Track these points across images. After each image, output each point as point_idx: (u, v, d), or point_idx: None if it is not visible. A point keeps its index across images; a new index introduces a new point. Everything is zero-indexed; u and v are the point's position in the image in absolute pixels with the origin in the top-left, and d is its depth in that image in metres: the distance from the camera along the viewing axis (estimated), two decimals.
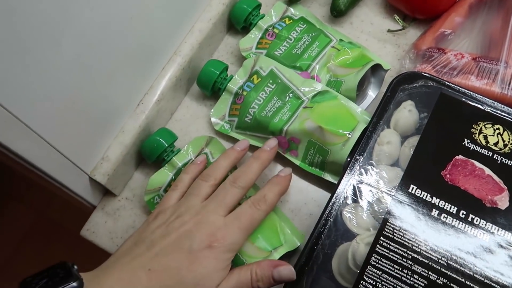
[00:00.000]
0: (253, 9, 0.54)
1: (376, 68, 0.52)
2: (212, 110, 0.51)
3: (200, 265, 0.36)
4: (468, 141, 0.43)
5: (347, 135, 0.44)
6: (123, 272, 0.36)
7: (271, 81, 0.49)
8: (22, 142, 0.34)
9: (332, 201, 0.42)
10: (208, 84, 0.50)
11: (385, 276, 0.38)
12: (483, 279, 0.37)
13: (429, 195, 0.41)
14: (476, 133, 0.43)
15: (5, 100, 0.31)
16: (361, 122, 0.45)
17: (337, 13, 0.55)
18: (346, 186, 0.42)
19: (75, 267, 0.35)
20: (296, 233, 0.45)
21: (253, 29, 0.54)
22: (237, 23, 0.55)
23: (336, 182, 0.45)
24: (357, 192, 0.42)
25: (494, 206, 0.40)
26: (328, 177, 0.47)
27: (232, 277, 0.38)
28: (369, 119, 0.46)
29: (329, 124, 0.45)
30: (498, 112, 0.44)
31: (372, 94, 0.53)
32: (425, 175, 0.42)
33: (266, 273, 0.39)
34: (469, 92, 0.45)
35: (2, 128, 0.32)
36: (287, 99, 0.48)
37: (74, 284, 0.33)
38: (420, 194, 0.41)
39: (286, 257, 0.44)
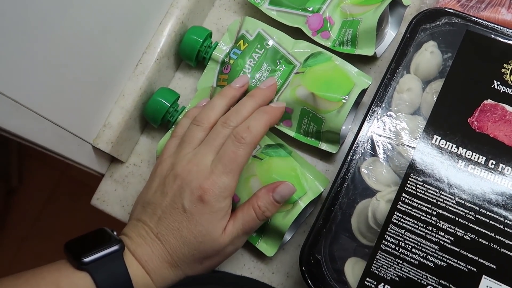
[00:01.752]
0: None
1: (395, 5, 0.48)
2: (198, 82, 0.48)
3: (197, 223, 0.36)
4: (498, 83, 0.40)
5: (342, 100, 0.41)
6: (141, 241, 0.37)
7: (259, 46, 0.46)
8: (13, 119, 0.33)
9: (349, 158, 0.40)
10: (191, 54, 0.47)
11: (408, 234, 0.37)
12: None
13: (454, 145, 0.39)
14: (507, 73, 0.40)
15: None
16: (358, 84, 0.42)
17: None
18: (363, 140, 0.40)
19: (115, 232, 0.37)
20: (319, 177, 0.43)
21: None
22: None
23: (333, 152, 0.44)
24: (376, 146, 0.40)
25: None
26: (325, 146, 0.44)
27: (237, 221, 0.38)
28: (368, 80, 0.44)
29: (322, 89, 0.42)
30: None
31: (392, 32, 0.49)
32: (450, 124, 0.39)
33: (268, 200, 0.38)
34: (499, 27, 0.42)
35: None
36: (277, 65, 0.45)
37: (117, 247, 0.35)
38: (445, 145, 0.39)
39: (311, 205, 0.43)
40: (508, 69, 0.40)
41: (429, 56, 0.43)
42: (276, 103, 0.42)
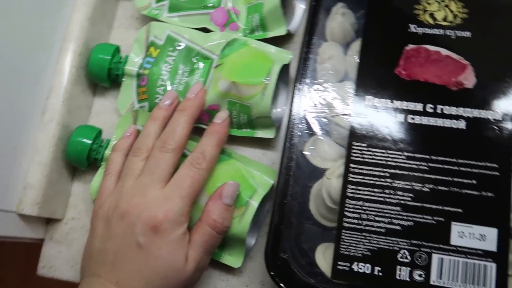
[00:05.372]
0: None
1: None
2: (117, 102, 0.48)
3: (157, 257, 0.35)
4: (414, 25, 0.41)
5: (264, 81, 0.41)
6: None
7: (171, 49, 0.46)
8: None
9: (287, 144, 0.40)
10: (102, 74, 0.47)
11: (367, 204, 0.37)
12: (470, 169, 0.36)
13: (389, 100, 0.39)
14: (420, 13, 0.41)
15: None
16: (278, 61, 0.43)
17: None
18: (297, 122, 0.40)
19: None
20: (265, 171, 0.43)
21: None
22: None
23: (271, 136, 0.44)
24: (311, 124, 0.40)
25: (461, 87, 0.38)
26: (261, 133, 0.44)
27: (195, 244, 0.37)
28: (288, 55, 0.44)
29: (242, 76, 0.42)
30: None
31: (302, 6, 0.49)
32: (379, 80, 0.40)
33: (220, 209, 0.38)
34: None
35: None
36: (194, 64, 0.45)
37: None
38: (379, 102, 0.39)
39: (267, 201, 0.43)
40: (420, 9, 0.41)
41: (341, 18, 0.43)
42: (219, 116, 0.42)
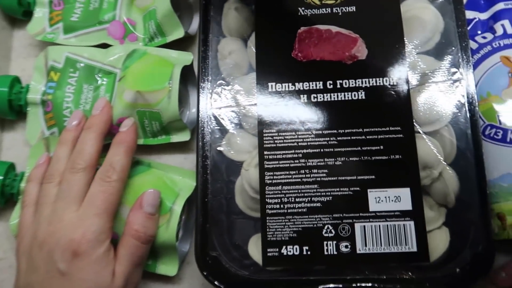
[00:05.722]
0: None
1: None
2: (26, 134, 0.46)
3: (81, 281, 0.35)
4: (303, 8, 0.42)
5: (168, 85, 0.42)
6: None
7: (72, 70, 0.45)
8: None
9: (200, 143, 0.40)
10: (2, 108, 0.46)
11: (286, 187, 0.38)
12: (376, 136, 0.38)
13: (290, 84, 0.40)
14: None
15: None
16: (179, 64, 0.43)
17: None
18: (206, 120, 0.40)
19: None
20: (186, 174, 0.43)
21: (35, 8, 0.49)
22: (13, 11, 0.49)
23: (187, 139, 0.44)
24: (220, 120, 0.40)
25: (355, 59, 0.40)
26: (176, 138, 0.44)
27: (122, 258, 0.36)
28: (189, 57, 0.45)
29: (146, 84, 0.42)
30: None
31: (198, 9, 0.50)
32: (277, 66, 0.41)
33: (141, 218, 0.38)
34: None
35: None
36: (98, 80, 0.45)
37: None
38: (281, 88, 0.40)
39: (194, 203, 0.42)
40: None
41: (234, 13, 0.44)
42: (125, 123, 0.42)
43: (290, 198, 0.37)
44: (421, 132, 0.38)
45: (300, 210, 0.37)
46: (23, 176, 0.44)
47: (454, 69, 0.39)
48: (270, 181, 0.38)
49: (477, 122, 0.38)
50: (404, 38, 0.40)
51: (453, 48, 0.40)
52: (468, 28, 0.43)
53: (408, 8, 0.41)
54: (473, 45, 0.42)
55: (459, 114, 0.38)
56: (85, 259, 0.35)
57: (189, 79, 0.46)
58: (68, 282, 0.34)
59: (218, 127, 0.40)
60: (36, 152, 0.45)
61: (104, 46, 0.47)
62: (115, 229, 0.40)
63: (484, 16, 0.44)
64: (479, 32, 0.43)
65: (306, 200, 0.37)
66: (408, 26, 0.40)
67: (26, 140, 0.47)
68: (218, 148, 0.40)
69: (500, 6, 0.43)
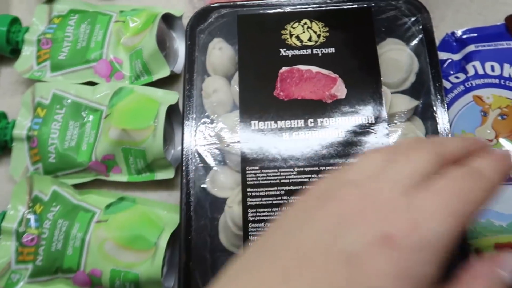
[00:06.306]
0: (11, 26, 0.50)
1: (172, 20, 0.51)
2: (10, 169, 0.47)
3: None
4: (284, 49, 0.44)
5: (153, 123, 0.43)
6: None
7: (58, 106, 0.46)
8: None
9: (184, 180, 0.41)
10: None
11: (268, 224, 0.38)
12: None
13: (272, 122, 0.41)
14: (287, 38, 0.44)
15: None
16: (164, 103, 0.45)
17: None
18: (190, 157, 0.41)
19: None
20: (171, 209, 0.44)
21: (23, 46, 0.50)
22: (1, 49, 0.51)
23: (171, 177, 0.45)
24: (204, 157, 0.41)
25: (335, 98, 0.41)
26: (160, 175, 0.45)
27: None
28: (175, 96, 0.46)
29: (131, 122, 0.43)
30: (298, 7, 0.45)
31: (183, 48, 0.52)
32: (260, 104, 0.42)
33: None
34: (263, 1, 0.46)
35: None
36: (84, 118, 0.46)
37: None
38: (264, 125, 0.41)
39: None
40: (286, 34, 0.44)
41: (218, 53, 0.45)
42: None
43: None
44: None
45: None
46: (5, 215, 0.44)
47: (429, 108, 0.41)
48: (253, 218, 0.39)
49: None
50: (381, 78, 0.42)
51: (428, 87, 0.42)
52: (442, 68, 0.45)
53: (385, 50, 0.43)
54: (447, 84, 0.45)
55: None
56: None
57: (174, 117, 0.48)
58: None
59: (202, 164, 0.41)
60: (19, 191, 0.45)
61: (91, 84, 0.48)
62: (98, 265, 0.41)
63: (456, 57, 0.46)
64: (452, 72, 0.45)
65: None
66: (385, 67, 0.42)
67: (10, 176, 0.47)
68: (202, 185, 0.41)
69: (471, 48, 0.45)
